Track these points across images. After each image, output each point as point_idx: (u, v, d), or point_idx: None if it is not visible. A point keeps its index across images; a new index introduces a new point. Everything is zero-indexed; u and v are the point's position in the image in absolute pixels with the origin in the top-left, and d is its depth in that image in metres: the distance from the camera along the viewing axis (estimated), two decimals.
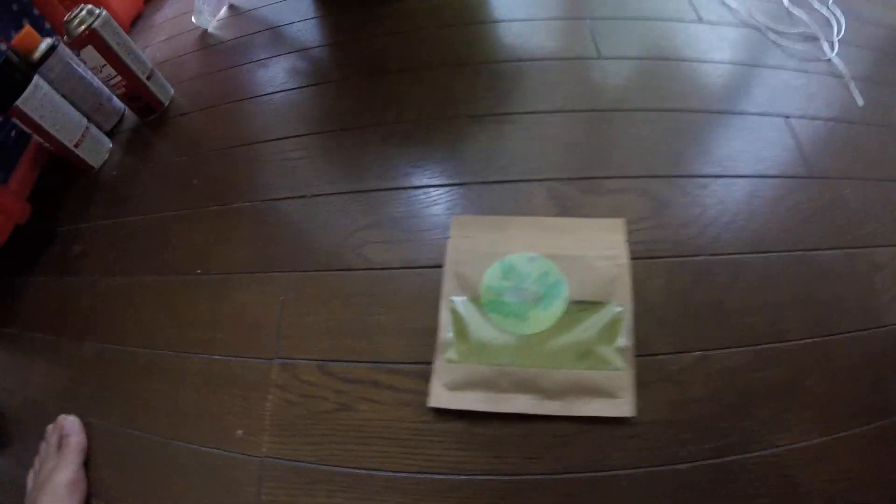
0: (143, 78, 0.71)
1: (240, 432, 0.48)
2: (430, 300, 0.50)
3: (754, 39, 0.70)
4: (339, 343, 0.50)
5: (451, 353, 0.47)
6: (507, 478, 0.44)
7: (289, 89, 0.68)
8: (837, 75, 0.70)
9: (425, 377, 0.47)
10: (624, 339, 0.47)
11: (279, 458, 0.46)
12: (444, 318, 0.48)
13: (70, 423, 0.50)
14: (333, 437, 0.46)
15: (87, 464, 0.49)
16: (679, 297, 0.50)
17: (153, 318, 0.56)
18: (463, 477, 0.44)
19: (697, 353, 0.48)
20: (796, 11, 0.73)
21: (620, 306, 0.48)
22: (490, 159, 0.58)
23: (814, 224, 0.56)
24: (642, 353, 0.47)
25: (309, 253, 0.54)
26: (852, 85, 0.70)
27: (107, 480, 0.49)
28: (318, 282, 0.53)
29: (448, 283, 0.49)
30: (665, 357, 0.47)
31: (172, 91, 0.76)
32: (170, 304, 0.56)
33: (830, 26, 0.74)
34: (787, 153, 0.60)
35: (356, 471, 0.45)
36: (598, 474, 0.44)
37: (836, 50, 0.73)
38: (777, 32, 0.72)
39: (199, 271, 0.57)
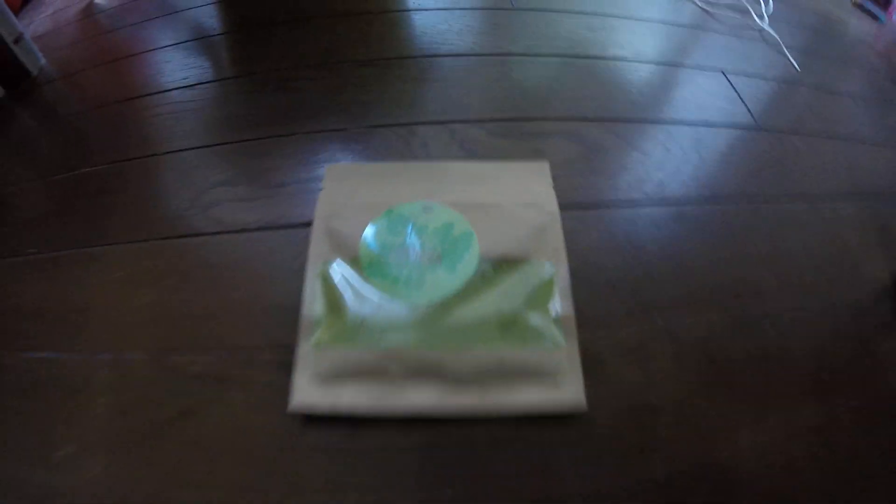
0: (10, 42, 0.62)
1: (61, 453, 0.33)
2: (296, 266, 0.37)
3: (685, 7, 0.67)
4: (180, 328, 0.36)
5: (321, 334, 0.33)
6: None
7: (162, 47, 0.60)
8: (771, 42, 0.66)
9: (288, 368, 0.34)
10: (560, 305, 0.35)
11: (112, 490, 0.31)
12: (311, 288, 0.35)
13: None
14: (175, 455, 0.32)
15: None
16: (627, 252, 0.39)
17: None
18: None
19: (658, 319, 0.36)
20: None
21: (553, 263, 0.36)
22: (378, 104, 0.48)
23: (769, 174, 0.48)
24: (585, 323, 0.35)
25: (148, 220, 0.42)
26: (787, 52, 0.66)
27: None
28: (157, 253, 0.40)
29: (317, 244, 0.37)
30: (615, 326, 0.36)
31: (43, 61, 0.68)
32: None
33: (759, 2, 0.72)
34: (731, 104, 0.53)
35: None
36: None
37: (766, 21, 0.70)
38: (708, 2, 0.70)
39: (32, 251, 0.44)
